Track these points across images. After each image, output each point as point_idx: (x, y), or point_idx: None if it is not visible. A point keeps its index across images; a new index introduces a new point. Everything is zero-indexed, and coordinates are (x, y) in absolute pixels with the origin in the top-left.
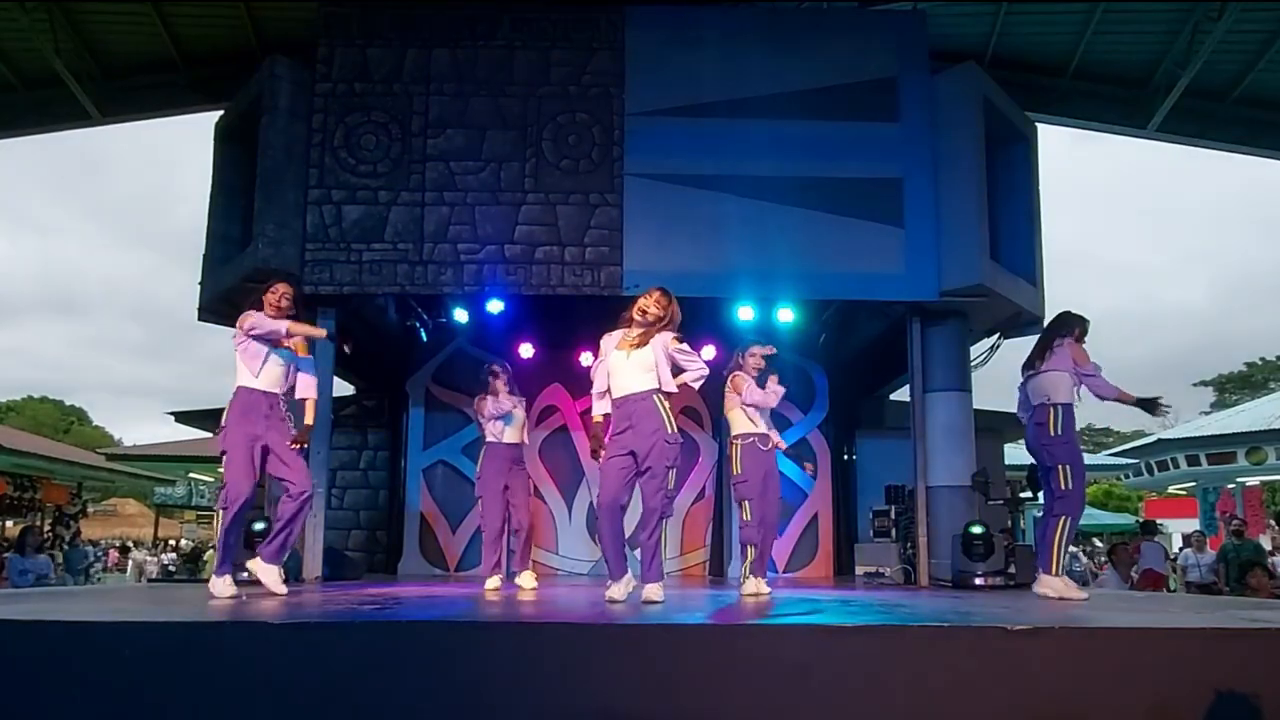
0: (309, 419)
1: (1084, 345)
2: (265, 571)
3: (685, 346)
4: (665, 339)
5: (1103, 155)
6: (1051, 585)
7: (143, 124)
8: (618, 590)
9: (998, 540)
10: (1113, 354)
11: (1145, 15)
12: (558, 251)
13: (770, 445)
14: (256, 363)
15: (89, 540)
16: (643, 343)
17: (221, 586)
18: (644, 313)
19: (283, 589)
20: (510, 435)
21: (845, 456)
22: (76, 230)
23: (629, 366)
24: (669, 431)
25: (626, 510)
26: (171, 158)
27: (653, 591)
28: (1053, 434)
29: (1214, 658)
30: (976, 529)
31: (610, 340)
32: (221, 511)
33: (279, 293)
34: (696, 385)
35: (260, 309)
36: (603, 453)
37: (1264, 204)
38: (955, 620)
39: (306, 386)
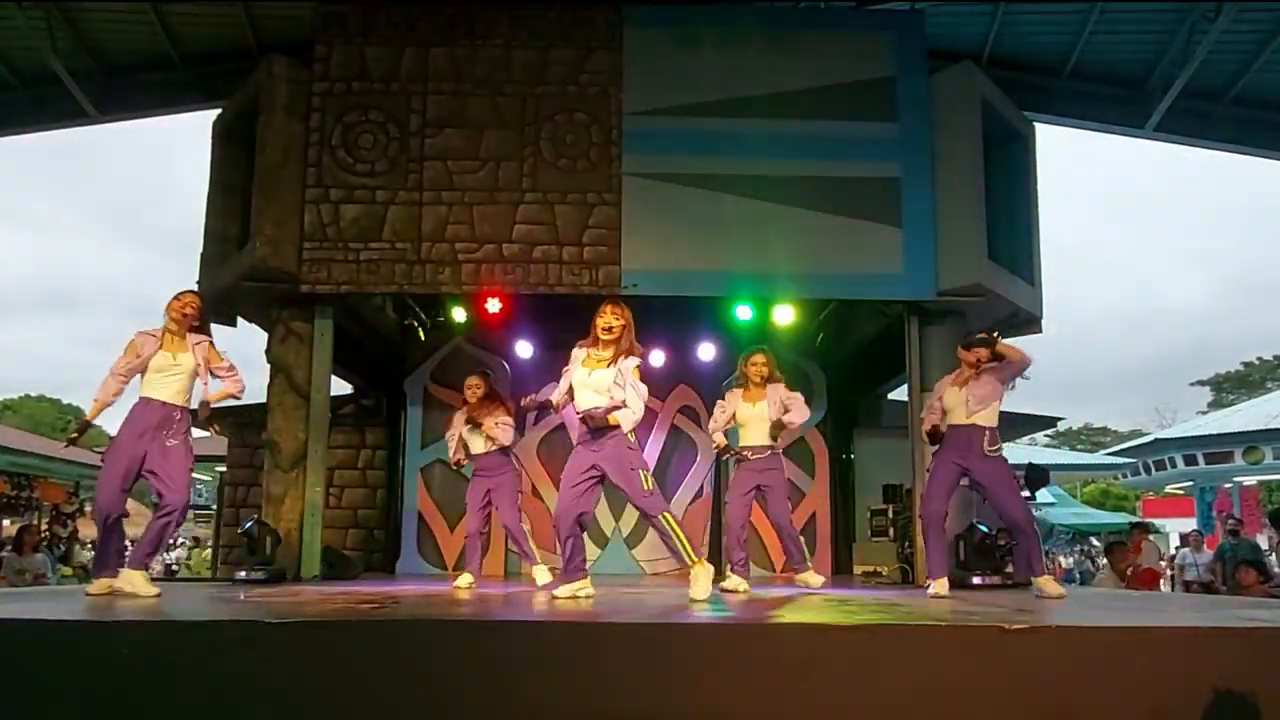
0: (210, 397)
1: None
2: (130, 579)
3: (636, 380)
4: (630, 365)
5: (1103, 153)
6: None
7: (139, 121)
8: (564, 589)
9: (995, 540)
10: (1111, 353)
11: (1142, 15)
12: (556, 251)
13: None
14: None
15: (87, 540)
16: (611, 363)
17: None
18: (609, 330)
19: (152, 590)
20: (474, 447)
21: (843, 456)
22: (71, 226)
23: (590, 384)
24: (628, 439)
25: (587, 519)
26: (167, 154)
27: (698, 577)
28: None
29: (1212, 657)
30: (984, 529)
31: (579, 353)
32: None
33: (184, 302)
34: (627, 425)
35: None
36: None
37: (1265, 203)
38: (953, 620)
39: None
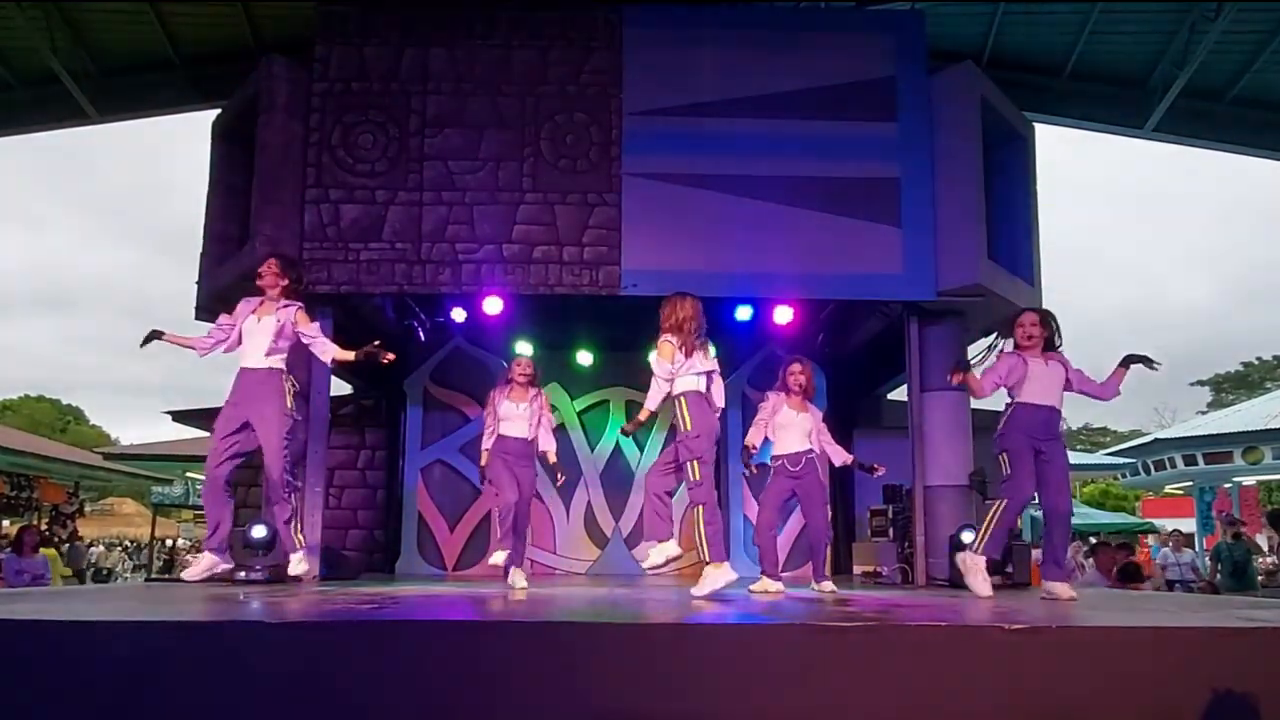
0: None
1: (1027, 340)
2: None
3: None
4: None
5: (1108, 153)
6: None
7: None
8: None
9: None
10: (1112, 353)
11: (1142, 15)
12: (555, 251)
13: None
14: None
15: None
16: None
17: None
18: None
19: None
20: (514, 429)
21: None
22: (67, 224)
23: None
24: (682, 431)
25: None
26: (165, 152)
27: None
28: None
29: (1211, 656)
30: (967, 536)
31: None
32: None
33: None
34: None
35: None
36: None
37: (1270, 202)
38: (953, 619)
39: (324, 351)
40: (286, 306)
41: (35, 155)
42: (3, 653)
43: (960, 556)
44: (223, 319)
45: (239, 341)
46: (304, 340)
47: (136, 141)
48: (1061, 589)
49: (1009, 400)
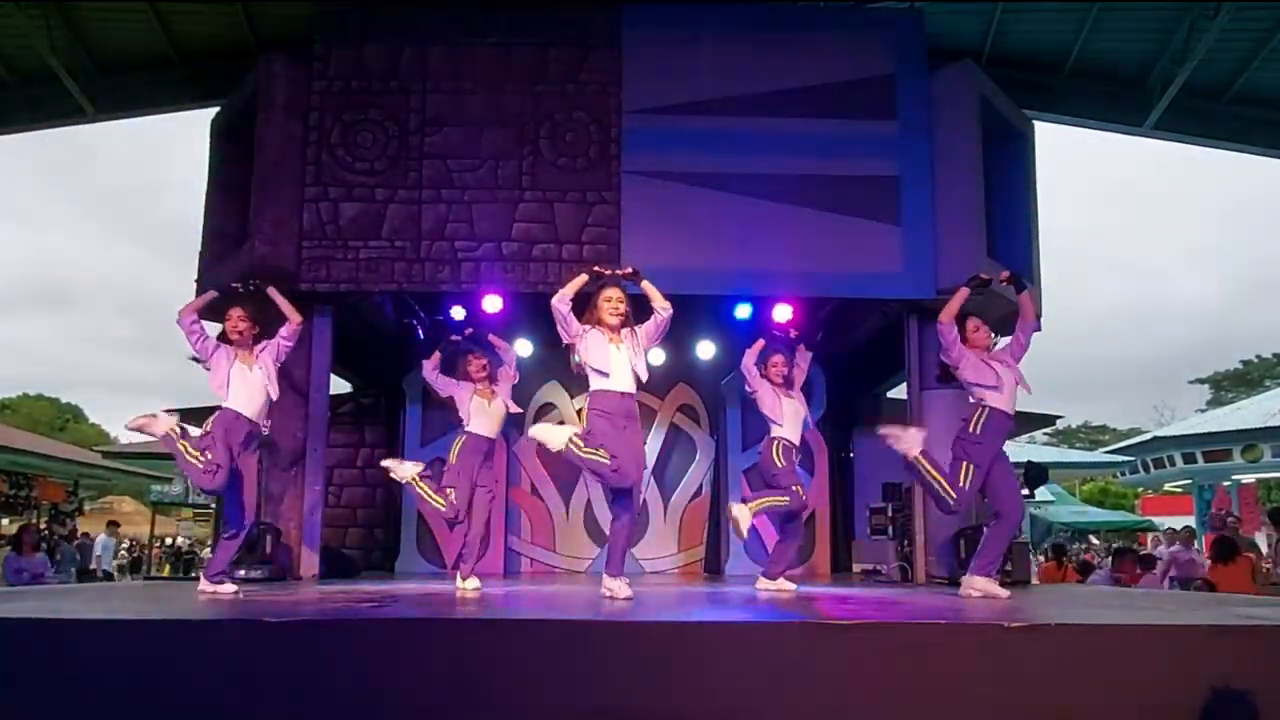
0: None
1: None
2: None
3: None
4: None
5: (1113, 150)
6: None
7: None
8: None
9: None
10: (1111, 351)
11: (1141, 13)
12: (555, 249)
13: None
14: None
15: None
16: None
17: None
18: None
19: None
20: (482, 426)
21: (843, 454)
22: (66, 222)
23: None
24: None
25: None
26: (164, 149)
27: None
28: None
29: (1210, 655)
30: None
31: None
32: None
33: (234, 319)
34: None
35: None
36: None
37: (1272, 199)
38: (953, 618)
39: (288, 335)
40: (262, 351)
41: (34, 153)
42: (3, 652)
43: (964, 590)
44: (217, 344)
45: (226, 383)
46: (287, 352)
47: (135, 139)
48: (989, 585)
49: (983, 403)
